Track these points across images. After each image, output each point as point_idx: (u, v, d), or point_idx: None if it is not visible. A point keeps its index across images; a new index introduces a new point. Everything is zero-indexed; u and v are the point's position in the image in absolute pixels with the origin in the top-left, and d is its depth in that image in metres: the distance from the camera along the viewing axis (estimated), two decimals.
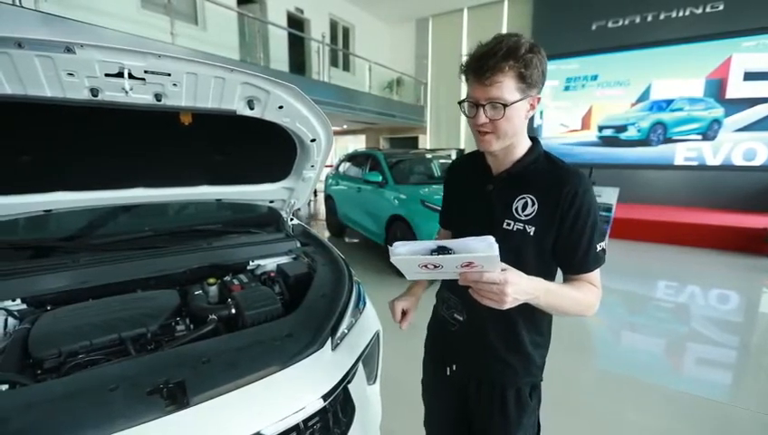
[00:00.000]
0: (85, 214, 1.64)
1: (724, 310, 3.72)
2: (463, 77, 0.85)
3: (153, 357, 0.99)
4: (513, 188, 0.90)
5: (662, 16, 7.28)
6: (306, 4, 8.78)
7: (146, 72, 1.07)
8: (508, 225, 0.89)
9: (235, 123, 1.36)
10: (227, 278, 1.50)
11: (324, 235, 6.38)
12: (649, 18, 7.39)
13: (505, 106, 0.78)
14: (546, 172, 0.88)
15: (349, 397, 1.16)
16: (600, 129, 8.05)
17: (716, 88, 6.89)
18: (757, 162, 6.76)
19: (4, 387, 0.88)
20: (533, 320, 0.95)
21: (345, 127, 11.79)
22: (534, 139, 0.94)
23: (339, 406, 1.12)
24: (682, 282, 4.44)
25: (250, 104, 1.30)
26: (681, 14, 7.11)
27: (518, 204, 0.88)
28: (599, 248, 0.86)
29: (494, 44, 0.78)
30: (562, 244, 0.86)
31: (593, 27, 7.91)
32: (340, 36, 10.29)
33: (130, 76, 1.06)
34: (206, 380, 0.90)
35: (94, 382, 0.87)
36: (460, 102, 0.86)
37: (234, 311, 1.28)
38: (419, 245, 0.68)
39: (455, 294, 1.02)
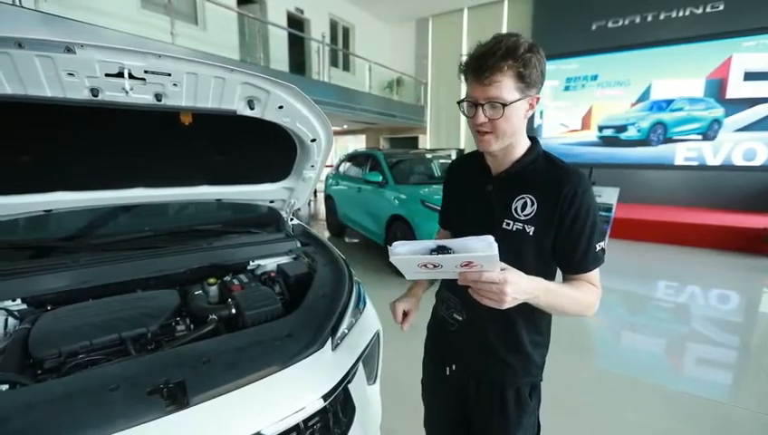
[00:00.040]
0: (85, 214, 1.65)
1: (724, 310, 3.72)
2: (462, 77, 0.85)
3: (153, 357, 0.99)
4: (513, 188, 0.90)
5: (662, 16, 7.28)
6: (306, 4, 8.78)
7: (146, 72, 1.07)
8: (507, 225, 0.89)
9: (235, 123, 1.36)
10: (227, 278, 1.50)
11: (324, 235, 6.37)
12: (649, 18, 7.38)
13: (504, 106, 0.79)
14: (545, 172, 0.89)
15: (349, 397, 1.16)
16: (600, 129, 8.05)
17: (716, 88, 6.89)
18: (757, 162, 6.76)
19: (5, 387, 0.88)
20: (533, 320, 0.95)
21: (345, 127, 11.79)
22: (534, 138, 0.94)
23: (339, 406, 1.12)
24: (682, 282, 4.43)
25: (250, 104, 1.30)
26: (681, 14, 7.11)
27: (517, 204, 0.89)
28: (598, 248, 0.86)
29: (493, 44, 0.78)
30: (562, 244, 0.86)
31: (593, 27, 7.90)
32: (340, 36, 10.29)
33: (131, 76, 1.06)
34: (206, 380, 0.90)
35: (94, 382, 0.87)
36: (459, 102, 0.86)
37: (234, 311, 1.28)
38: (419, 244, 0.68)
39: (454, 294, 1.02)
